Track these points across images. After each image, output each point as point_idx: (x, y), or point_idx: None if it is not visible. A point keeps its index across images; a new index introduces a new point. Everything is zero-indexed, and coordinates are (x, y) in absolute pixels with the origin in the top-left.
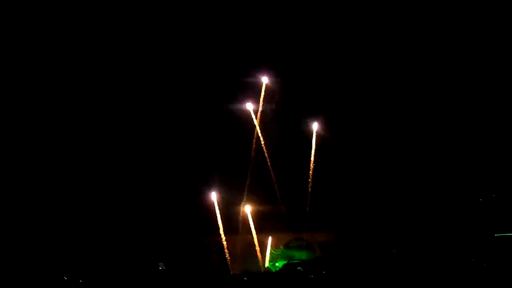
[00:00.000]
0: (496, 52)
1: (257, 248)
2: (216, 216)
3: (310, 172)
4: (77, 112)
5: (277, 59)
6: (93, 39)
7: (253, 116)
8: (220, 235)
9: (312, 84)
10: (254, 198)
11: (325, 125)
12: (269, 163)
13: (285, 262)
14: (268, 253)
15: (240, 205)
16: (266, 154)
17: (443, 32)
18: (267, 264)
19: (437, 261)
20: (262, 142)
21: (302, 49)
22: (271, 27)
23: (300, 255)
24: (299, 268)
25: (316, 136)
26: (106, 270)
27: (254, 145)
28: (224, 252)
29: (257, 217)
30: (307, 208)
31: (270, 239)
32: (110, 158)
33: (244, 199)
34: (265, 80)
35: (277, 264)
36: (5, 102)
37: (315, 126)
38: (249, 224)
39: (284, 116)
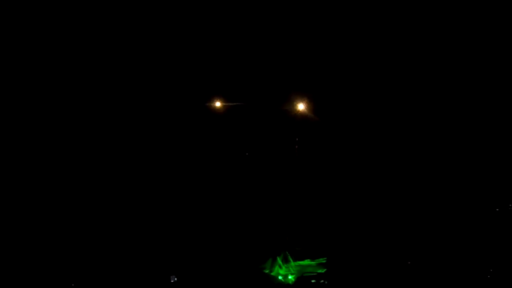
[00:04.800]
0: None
1: (269, 261)
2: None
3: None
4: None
5: None
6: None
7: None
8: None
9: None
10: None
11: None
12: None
13: (296, 275)
14: (279, 267)
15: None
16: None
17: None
18: (279, 277)
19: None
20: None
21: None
22: None
23: (311, 268)
24: (313, 281)
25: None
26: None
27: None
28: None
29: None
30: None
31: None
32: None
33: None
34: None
35: (289, 277)
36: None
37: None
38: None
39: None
